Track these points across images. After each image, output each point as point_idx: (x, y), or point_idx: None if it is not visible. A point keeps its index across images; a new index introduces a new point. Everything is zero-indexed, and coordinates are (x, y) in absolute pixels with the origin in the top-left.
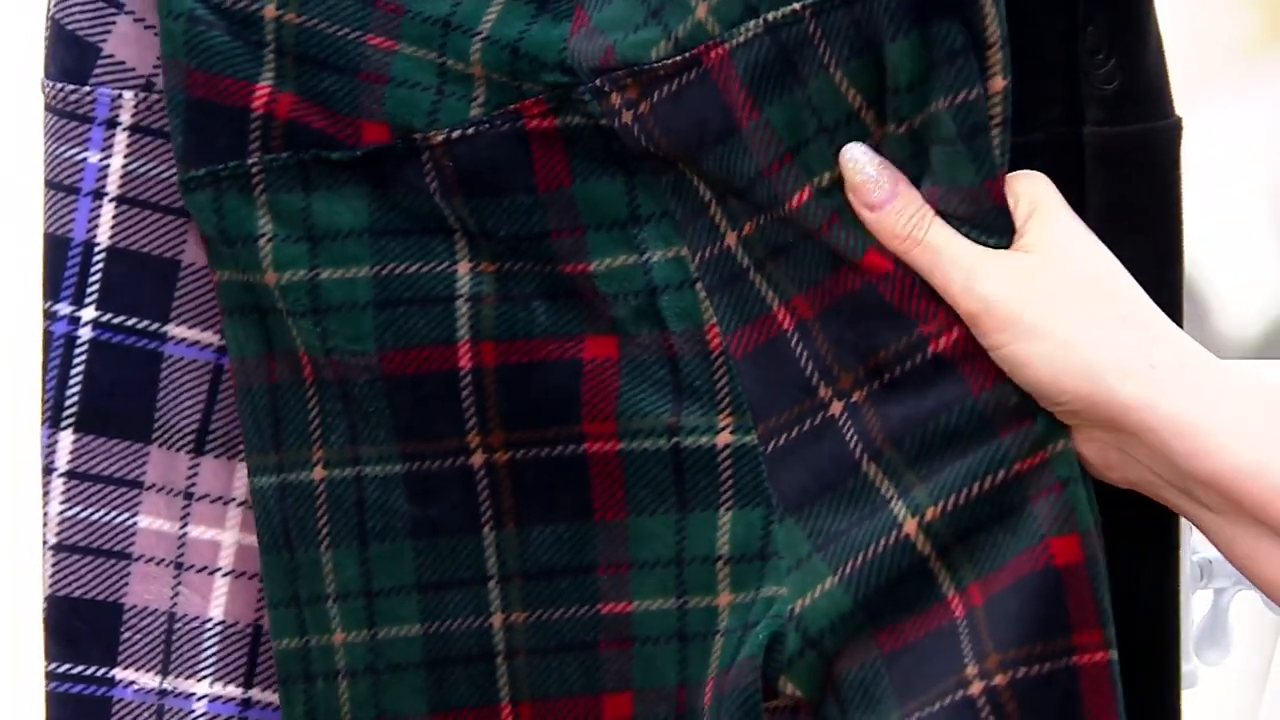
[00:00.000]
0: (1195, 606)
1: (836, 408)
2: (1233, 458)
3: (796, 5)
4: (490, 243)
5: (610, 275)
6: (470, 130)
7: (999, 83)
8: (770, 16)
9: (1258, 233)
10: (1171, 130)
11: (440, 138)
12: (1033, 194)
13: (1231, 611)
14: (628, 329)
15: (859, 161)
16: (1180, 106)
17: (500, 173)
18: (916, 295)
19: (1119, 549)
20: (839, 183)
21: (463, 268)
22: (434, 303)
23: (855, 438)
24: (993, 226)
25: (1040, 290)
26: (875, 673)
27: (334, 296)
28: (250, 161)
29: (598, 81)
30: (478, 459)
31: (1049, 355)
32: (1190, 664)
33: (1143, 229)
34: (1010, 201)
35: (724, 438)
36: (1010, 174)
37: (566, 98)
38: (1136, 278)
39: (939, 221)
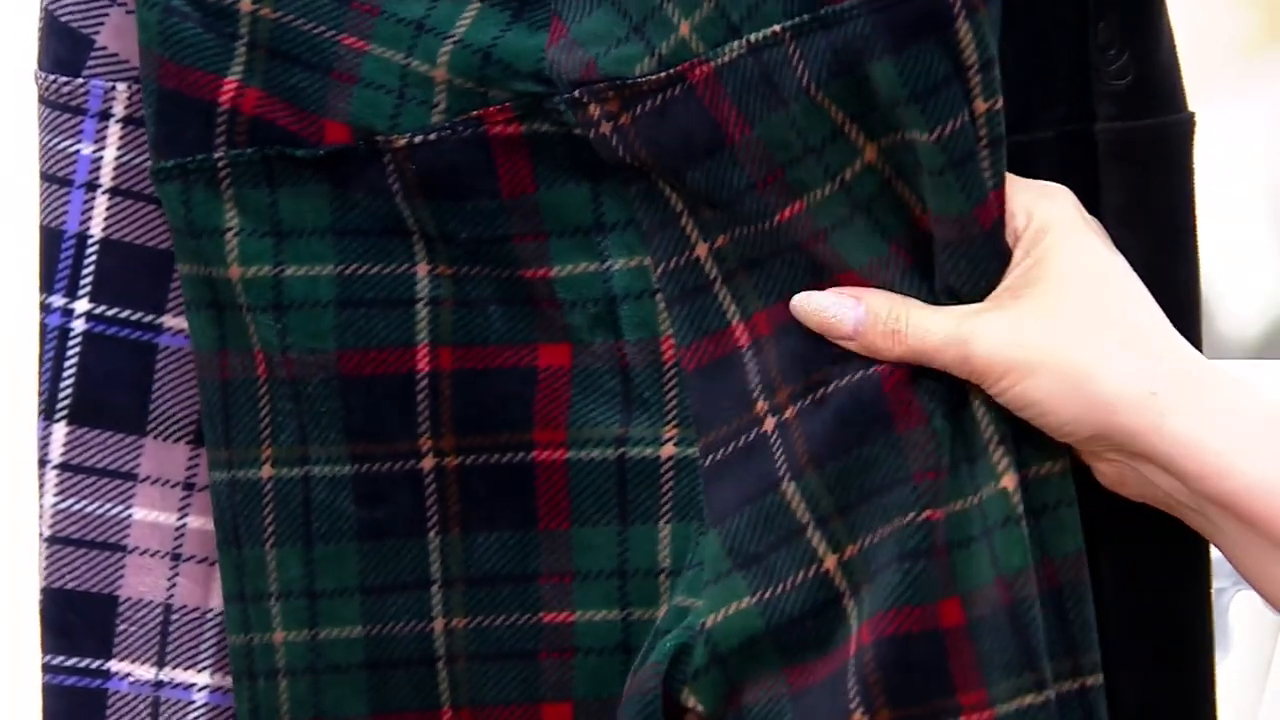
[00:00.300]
0: None
1: (769, 424)
2: (1240, 477)
3: (777, 28)
4: (448, 246)
5: (571, 281)
6: (433, 135)
7: (982, 105)
8: (752, 38)
9: (1258, 233)
10: (1186, 124)
11: (402, 142)
12: (1046, 215)
13: (1231, 611)
14: (582, 337)
15: (811, 304)
16: None
17: (463, 178)
18: None
19: (1151, 554)
20: (833, 197)
21: (421, 270)
22: (395, 304)
23: (781, 455)
24: (980, 253)
25: (1035, 329)
26: (779, 710)
27: (296, 293)
28: (217, 156)
29: (577, 93)
30: (428, 463)
31: (1048, 391)
32: None
33: (1158, 224)
34: (1020, 220)
35: (668, 450)
36: (1028, 190)
37: (537, 106)
38: (1151, 273)
39: (915, 304)
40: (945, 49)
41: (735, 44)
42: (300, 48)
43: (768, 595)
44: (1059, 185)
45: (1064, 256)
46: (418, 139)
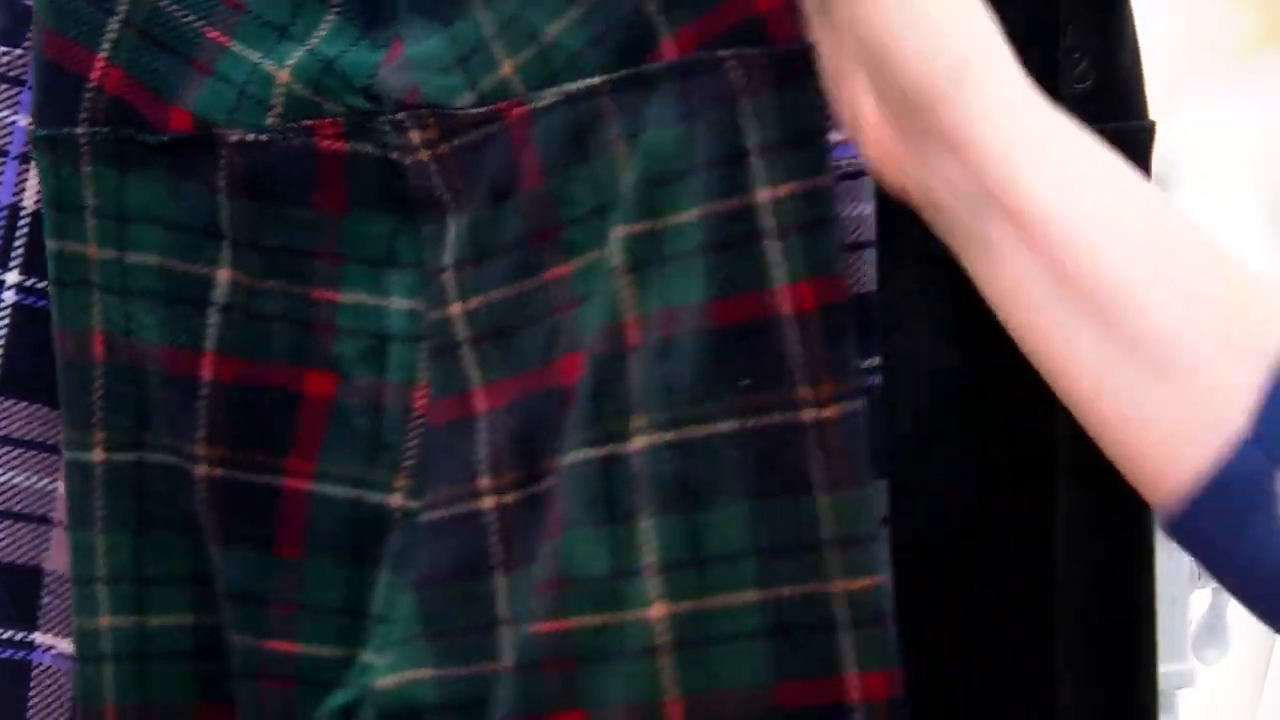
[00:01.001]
0: (1194, 606)
1: (489, 503)
2: (1029, 186)
3: (596, 80)
4: (252, 254)
5: (353, 310)
6: (265, 137)
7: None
8: (569, 87)
9: (1254, 234)
10: (1142, 133)
11: (236, 137)
12: None
13: (1230, 610)
14: (346, 370)
15: None
16: (1178, 106)
17: (284, 185)
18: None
19: (1092, 554)
20: (598, 265)
21: (224, 274)
22: (194, 305)
23: (498, 542)
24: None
25: None
26: None
27: (136, 281)
28: (79, 131)
29: (400, 115)
30: (201, 470)
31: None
32: (1189, 663)
33: None
34: None
35: (396, 500)
36: None
37: (363, 125)
38: None
39: None
40: (781, 115)
41: (553, 90)
42: (169, 33)
43: (450, 675)
44: None
45: None
46: (250, 137)
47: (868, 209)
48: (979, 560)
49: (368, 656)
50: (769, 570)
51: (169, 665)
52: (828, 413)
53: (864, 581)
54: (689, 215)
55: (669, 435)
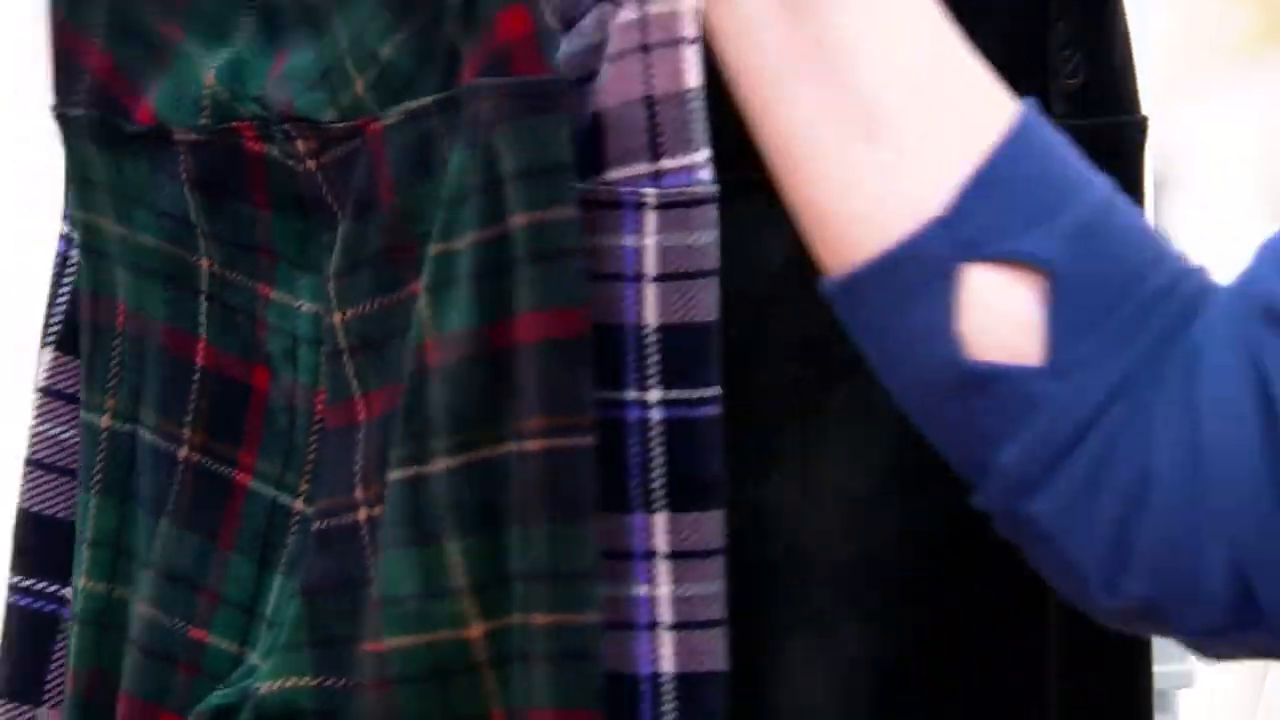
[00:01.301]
0: None
1: (362, 515)
2: None
3: (428, 100)
4: (218, 246)
5: (278, 309)
6: (204, 137)
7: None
8: (410, 105)
9: (1253, 231)
10: (1135, 127)
11: (182, 135)
12: None
13: None
14: (276, 367)
15: None
16: (1177, 103)
17: (227, 184)
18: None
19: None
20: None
21: (204, 264)
22: (190, 291)
23: (370, 555)
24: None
25: None
26: None
27: (143, 260)
28: (79, 113)
29: (286, 125)
30: (182, 452)
31: None
32: (1189, 663)
33: None
34: None
35: (299, 504)
36: None
37: (268, 130)
38: None
39: None
40: (548, 138)
41: (397, 108)
42: (138, 25)
43: (329, 684)
44: None
45: None
46: (193, 136)
47: (705, 237)
48: (979, 559)
49: (254, 659)
50: (521, 596)
51: (122, 638)
52: (535, 445)
53: (566, 616)
54: (468, 239)
55: (459, 459)
